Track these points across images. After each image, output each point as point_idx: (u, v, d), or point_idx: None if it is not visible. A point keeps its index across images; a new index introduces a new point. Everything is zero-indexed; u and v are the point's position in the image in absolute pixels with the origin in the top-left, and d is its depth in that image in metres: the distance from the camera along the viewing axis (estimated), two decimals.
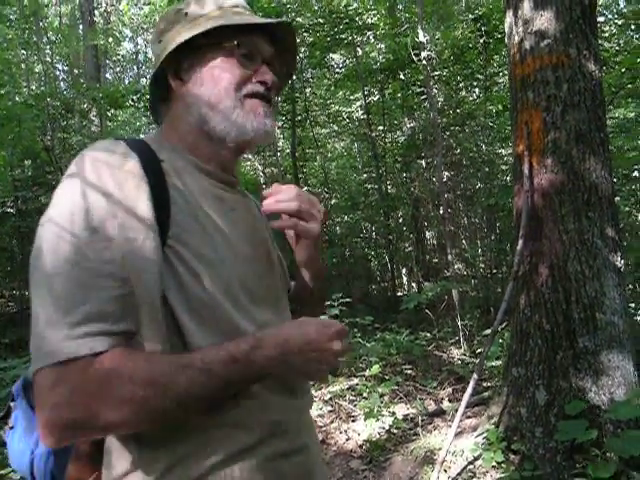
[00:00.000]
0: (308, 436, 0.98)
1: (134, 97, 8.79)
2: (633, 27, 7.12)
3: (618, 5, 9.19)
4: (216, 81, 0.94)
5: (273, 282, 1.02)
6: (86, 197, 0.79)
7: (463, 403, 3.01)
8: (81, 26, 11.61)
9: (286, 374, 0.87)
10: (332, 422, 4.00)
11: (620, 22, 7.62)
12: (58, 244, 0.77)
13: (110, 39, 13.21)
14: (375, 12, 8.82)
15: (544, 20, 3.00)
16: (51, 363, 0.73)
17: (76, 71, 12.17)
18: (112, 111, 9.87)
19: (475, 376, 3.04)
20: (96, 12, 11.57)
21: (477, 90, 8.27)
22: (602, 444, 2.63)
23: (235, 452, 0.84)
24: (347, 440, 3.71)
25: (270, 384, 0.89)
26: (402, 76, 8.11)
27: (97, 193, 0.80)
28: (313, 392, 4.51)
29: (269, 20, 0.98)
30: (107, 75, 13.97)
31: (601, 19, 7.44)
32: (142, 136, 1.01)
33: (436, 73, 7.77)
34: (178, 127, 0.98)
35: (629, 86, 5.82)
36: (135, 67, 19.64)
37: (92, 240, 0.77)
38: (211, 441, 0.83)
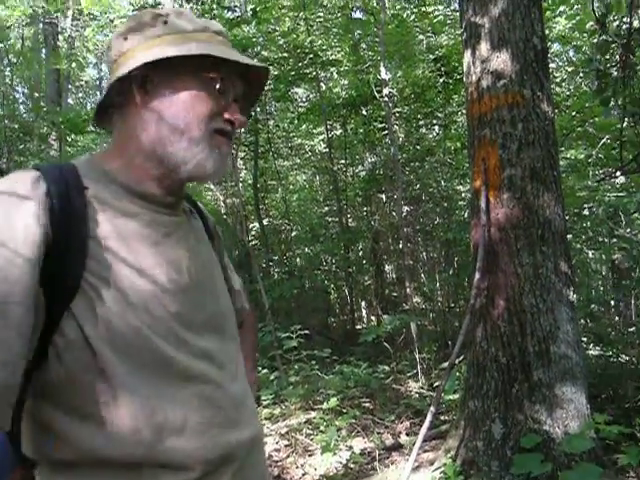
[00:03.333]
0: (252, 471, 0.93)
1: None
2: (582, 74, 7.50)
3: (568, 53, 9.68)
4: (188, 108, 0.88)
5: (217, 308, 0.97)
6: None
7: (420, 437, 2.99)
8: (44, 50, 11.48)
9: None
10: (288, 457, 3.90)
11: (570, 69, 8.03)
12: None
13: (73, 64, 13.09)
14: (339, 49, 9.03)
15: (500, 61, 3.13)
16: None
17: (37, 94, 11.97)
18: (72, 136, 9.71)
19: (432, 409, 3.03)
20: (60, 37, 11.45)
21: (437, 128, 8.50)
22: (557, 477, 2.65)
23: None
24: (303, 475, 3.62)
25: (211, 417, 0.86)
26: (364, 112, 8.27)
27: None
28: (270, 426, 4.41)
29: (257, 63, 0.95)
30: (69, 100, 13.77)
31: (553, 65, 7.81)
32: (80, 158, 0.94)
33: (397, 110, 7.96)
34: (127, 143, 0.92)
35: (579, 129, 6.09)
36: (98, 93, 19.45)
37: None
38: (145, 477, 0.79)
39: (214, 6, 6.67)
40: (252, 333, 1.33)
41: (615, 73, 4.04)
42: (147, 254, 0.86)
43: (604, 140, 4.60)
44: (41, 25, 11.14)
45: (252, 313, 1.33)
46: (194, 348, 0.87)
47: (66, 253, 0.79)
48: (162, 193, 0.93)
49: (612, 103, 4.14)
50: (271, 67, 8.02)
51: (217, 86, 0.91)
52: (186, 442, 0.82)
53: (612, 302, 7.55)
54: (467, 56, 3.35)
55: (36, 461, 0.83)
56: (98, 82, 18.82)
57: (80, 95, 17.56)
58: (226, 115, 0.92)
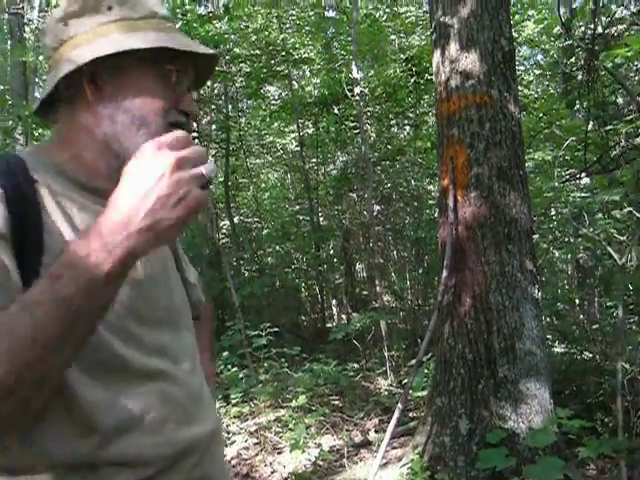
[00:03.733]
0: (208, 466, 0.92)
1: None
2: (549, 77, 7.66)
3: (537, 56, 9.88)
4: (143, 102, 0.85)
5: (171, 301, 0.95)
6: None
7: (388, 433, 3.01)
8: (9, 41, 11.18)
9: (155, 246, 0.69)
10: (257, 455, 3.89)
11: (538, 72, 8.19)
12: None
13: (40, 57, 12.81)
14: (311, 47, 9.03)
15: (469, 62, 3.17)
16: None
17: (1, 87, 11.66)
18: (39, 130, 9.48)
19: (400, 406, 3.05)
20: (26, 28, 11.16)
21: (407, 127, 8.57)
22: (521, 471, 2.69)
23: None
24: (272, 473, 3.62)
25: (167, 413, 0.85)
26: (336, 110, 8.28)
27: None
28: (239, 424, 4.38)
29: (212, 51, 0.92)
30: (36, 93, 13.46)
31: (521, 68, 7.96)
32: (24, 150, 0.91)
33: (368, 109, 7.99)
34: (77, 138, 0.88)
35: (546, 131, 6.21)
36: None
37: None
38: (103, 478, 0.78)
39: (186, 0, 6.58)
40: (208, 325, 1.32)
41: (580, 76, 4.13)
42: None
43: (568, 141, 4.71)
44: (6, 16, 10.84)
45: (208, 306, 1.32)
46: (149, 344, 0.86)
47: (22, 247, 0.76)
48: (112, 187, 0.90)
49: (577, 106, 4.23)
50: (243, 64, 7.98)
51: (173, 78, 0.88)
52: (141, 439, 0.81)
53: (577, 301, 7.72)
54: (436, 56, 3.39)
55: None
56: None
57: None
58: (180, 107, 0.89)
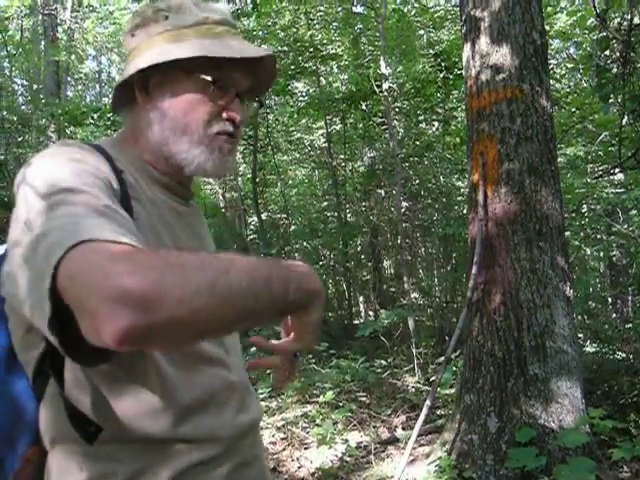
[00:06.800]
0: (258, 448, 0.99)
1: (94, 115, 8.64)
2: (581, 70, 7.49)
3: (569, 50, 9.66)
4: (186, 110, 0.90)
5: None
6: (74, 162, 0.77)
7: (415, 431, 3.00)
8: (43, 42, 11.42)
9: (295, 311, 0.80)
10: (284, 449, 3.91)
11: (570, 65, 8.02)
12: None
13: (73, 56, 13.05)
14: (339, 43, 9.00)
15: (499, 56, 3.12)
16: (97, 238, 0.61)
17: (35, 86, 11.92)
18: (71, 128, 9.68)
19: (428, 403, 3.04)
20: (59, 28, 11.39)
21: (436, 123, 8.48)
22: (551, 471, 2.66)
23: (197, 463, 0.83)
24: (299, 468, 3.63)
25: (229, 397, 0.89)
26: (364, 106, 8.25)
27: (82, 163, 0.78)
28: (266, 419, 4.41)
29: (257, 53, 0.92)
30: (68, 92, 13.73)
31: (553, 61, 7.80)
32: (102, 140, 0.97)
33: (397, 105, 7.94)
34: (138, 138, 0.95)
35: (578, 125, 6.08)
36: (97, 86, 19.40)
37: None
38: (174, 453, 0.81)
39: None
40: None
41: (615, 69, 4.03)
42: (180, 239, 0.90)
43: (602, 136, 4.60)
44: (40, 16, 11.08)
45: None
46: (219, 340, 0.91)
47: None
48: (175, 184, 0.96)
49: (611, 99, 4.13)
50: None
51: (211, 88, 0.90)
52: (211, 419, 0.86)
53: (610, 299, 7.57)
54: (467, 50, 3.34)
55: (54, 441, 0.83)
56: (97, 74, 18.76)
57: (79, 87, 17.49)
58: (225, 115, 0.92)
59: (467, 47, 3.33)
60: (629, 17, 3.83)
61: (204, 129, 0.90)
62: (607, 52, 4.10)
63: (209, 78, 0.89)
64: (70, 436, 0.79)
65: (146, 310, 0.57)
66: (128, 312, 0.56)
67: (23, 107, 10.11)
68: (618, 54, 3.92)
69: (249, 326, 0.73)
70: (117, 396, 0.80)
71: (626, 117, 4.30)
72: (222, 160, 0.93)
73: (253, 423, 0.96)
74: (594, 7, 3.88)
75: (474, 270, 3.10)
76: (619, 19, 4.41)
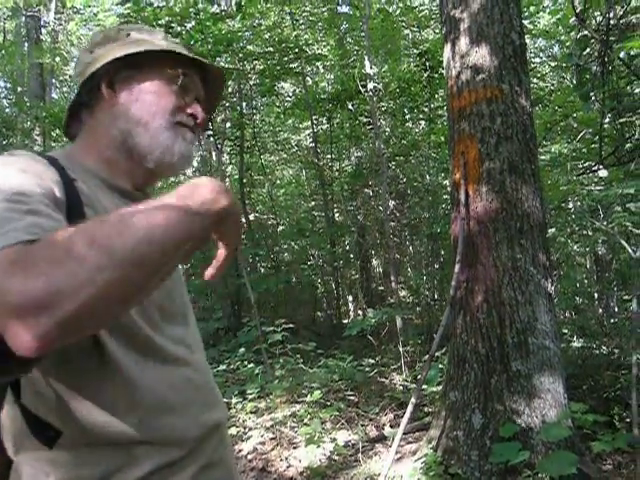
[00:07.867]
0: (224, 449, 0.99)
1: None
2: (564, 69, 7.56)
3: (552, 48, 9.75)
4: (152, 101, 0.96)
5: (184, 298, 1.03)
6: (19, 174, 0.77)
7: (401, 428, 3.03)
8: (26, 44, 11.33)
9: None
10: (273, 449, 3.92)
11: (553, 64, 8.09)
12: None
13: (57, 58, 12.96)
14: (324, 43, 9.03)
15: (479, 56, 3.15)
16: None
17: (19, 89, 11.83)
18: (57, 131, 9.61)
19: (413, 400, 3.07)
20: (43, 30, 11.30)
21: (422, 122, 8.53)
22: (534, 465, 2.69)
23: (163, 465, 0.84)
24: (288, 467, 3.65)
25: (194, 397, 0.91)
26: (350, 106, 8.27)
27: (28, 173, 0.78)
28: (255, 419, 4.43)
29: (211, 63, 1.04)
30: (53, 94, 13.62)
31: (537, 60, 7.87)
32: (54, 151, 0.99)
33: (382, 104, 7.98)
34: (99, 138, 0.98)
35: (562, 123, 6.14)
36: None
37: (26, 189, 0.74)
38: (139, 456, 0.82)
39: None
40: None
41: (594, 68, 4.08)
42: None
43: (582, 133, 4.65)
44: (23, 18, 10.99)
45: None
46: (170, 335, 0.92)
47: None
48: (132, 188, 0.99)
49: (592, 97, 4.19)
50: (256, 62, 8.00)
51: (179, 82, 0.98)
52: (176, 420, 0.87)
53: (596, 294, 7.64)
54: (447, 50, 3.38)
55: (17, 449, 0.84)
56: None
57: (64, 89, 17.35)
58: (188, 110, 0.99)
59: (447, 48, 3.36)
60: (607, 17, 3.88)
61: (169, 117, 0.97)
62: (586, 51, 4.15)
63: (179, 70, 0.97)
64: (32, 443, 0.80)
65: (48, 312, 0.57)
66: (33, 321, 0.57)
67: (7, 110, 10.04)
68: (597, 53, 3.97)
69: (172, 269, 0.72)
70: (77, 399, 0.80)
71: (606, 115, 4.36)
72: (187, 147, 0.98)
73: (218, 423, 0.97)
74: (573, 7, 3.93)
75: (456, 268, 3.13)
76: (600, 18, 4.46)
